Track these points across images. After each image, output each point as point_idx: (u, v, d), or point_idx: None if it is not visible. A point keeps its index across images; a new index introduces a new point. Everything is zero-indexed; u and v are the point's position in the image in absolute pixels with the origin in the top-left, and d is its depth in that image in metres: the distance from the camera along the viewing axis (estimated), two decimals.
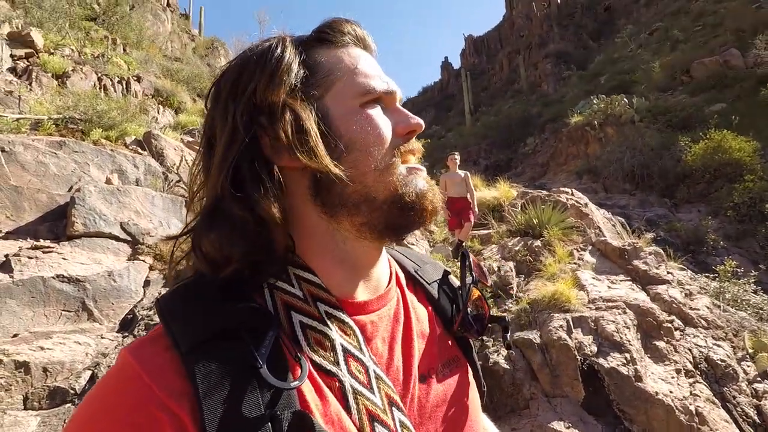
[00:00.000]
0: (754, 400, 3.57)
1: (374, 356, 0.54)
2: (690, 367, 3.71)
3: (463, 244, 6.11)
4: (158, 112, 7.63)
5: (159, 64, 10.04)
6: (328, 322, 0.52)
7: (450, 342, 0.65)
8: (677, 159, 10.67)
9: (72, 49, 8.42)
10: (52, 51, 7.93)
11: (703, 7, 24.27)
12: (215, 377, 0.42)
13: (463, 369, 0.65)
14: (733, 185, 9.17)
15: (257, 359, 0.43)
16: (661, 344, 3.82)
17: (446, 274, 0.74)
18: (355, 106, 0.55)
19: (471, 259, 0.71)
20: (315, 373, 0.49)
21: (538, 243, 5.60)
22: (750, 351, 4.06)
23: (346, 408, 0.48)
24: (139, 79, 8.58)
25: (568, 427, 3.17)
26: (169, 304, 0.49)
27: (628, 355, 3.56)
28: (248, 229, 0.50)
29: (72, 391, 3.18)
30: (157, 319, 3.29)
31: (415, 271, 0.71)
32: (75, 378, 3.25)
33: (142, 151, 5.39)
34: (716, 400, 3.48)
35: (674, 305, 4.40)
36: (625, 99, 14.19)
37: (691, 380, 3.60)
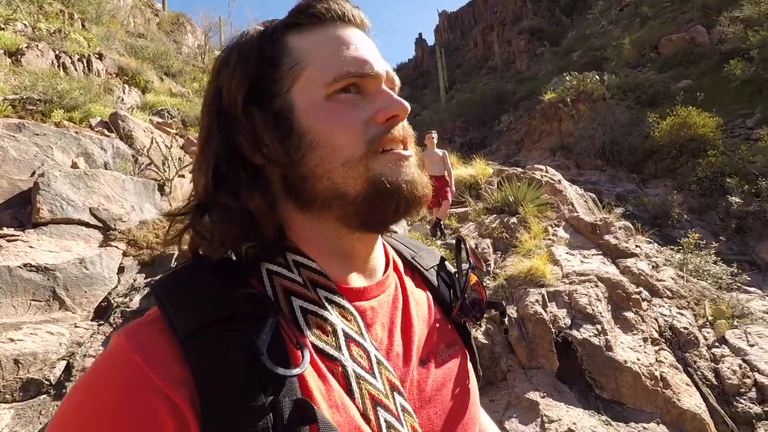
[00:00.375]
0: (713, 363, 3.82)
1: (374, 342, 0.54)
2: (656, 335, 3.92)
3: (441, 222, 6.17)
4: (124, 92, 7.20)
5: (122, 41, 9.41)
6: (329, 308, 0.52)
7: (449, 327, 0.66)
8: (645, 135, 10.98)
9: (25, 24, 7.85)
10: (2, 26, 7.39)
11: None
12: (213, 363, 0.41)
13: (462, 354, 0.65)
14: (697, 160, 9.52)
15: (257, 346, 0.42)
16: (629, 315, 4.01)
17: (443, 260, 0.75)
18: (321, 98, 0.52)
19: (467, 245, 0.72)
20: (317, 358, 0.48)
21: (514, 220, 5.72)
22: (710, 318, 4.31)
23: (349, 392, 0.48)
24: (101, 57, 8.03)
25: (543, 397, 3.32)
26: (166, 288, 0.48)
27: (599, 326, 3.73)
28: (236, 217, 0.52)
29: (47, 383, 3.11)
30: (133, 305, 3.26)
31: (412, 258, 0.71)
32: (49, 369, 3.17)
33: (109, 133, 5.12)
34: (679, 365, 3.70)
35: (642, 277, 4.61)
36: (596, 76, 14.40)
37: (657, 348, 3.81)
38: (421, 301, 0.64)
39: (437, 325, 0.63)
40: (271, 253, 0.54)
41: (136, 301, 3.21)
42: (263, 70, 0.54)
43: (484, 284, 4.70)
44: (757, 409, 3.40)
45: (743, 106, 11.79)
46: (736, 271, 5.44)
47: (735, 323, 4.26)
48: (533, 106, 16.48)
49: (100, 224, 4.14)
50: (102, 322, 3.46)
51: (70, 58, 7.17)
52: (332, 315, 0.52)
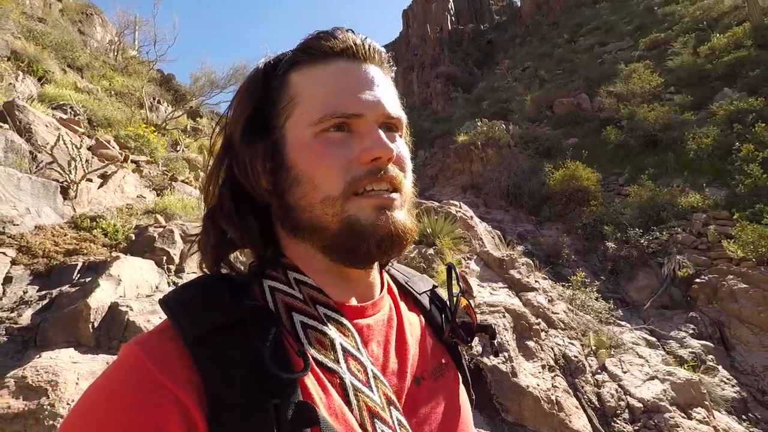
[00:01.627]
0: (596, 388, 4.35)
1: (371, 357, 0.56)
2: (552, 362, 4.37)
3: None
4: (17, 80, 6.25)
5: (17, 22, 8.22)
6: (328, 324, 0.54)
7: (441, 349, 0.68)
8: (542, 182, 12.38)
9: None
10: None
11: (562, 55, 28.51)
12: (220, 367, 0.44)
13: (455, 376, 0.68)
14: (582, 208, 10.95)
15: (261, 350, 0.45)
16: (531, 344, 4.43)
17: (434, 286, 0.78)
18: (308, 137, 0.54)
19: (458, 272, 0.75)
20: (317, 369, 0.50)
21: (431, 251, 6.02)
22: (593, 348, 4.93)
23: (347, 403, 0.50)
24: None
25: None
26: (176, 299, 0.51)
27: (506, 354, 4.05)
28: (230, 237, 0.58)
29: None
30: (22, 321, 2.80)
31: (406, 283, 0.74)
32: None
33: (1, 123, 4.40)
34: (570, 390, 4.15)
35: (541, 310, 5.12)
36: (503, 124, 15.98)
37: (553, 374, 4.24)
38: (414, 322, 0.67)
39: (430, 346, 0.66)
40: (272, 270, 0.57)
41: (26, 317, 2.74)
42: (267, 102, 0.57)
43: None
44: (629, 428, 3.93)
45: (616, 166, 13.89)
46: (612, 307, 6.32)
47: (612, 353, 4.92)
48: (447, 145, 17.64)
49: None
50: None
51: None
52: (331, 330, 0.54)
